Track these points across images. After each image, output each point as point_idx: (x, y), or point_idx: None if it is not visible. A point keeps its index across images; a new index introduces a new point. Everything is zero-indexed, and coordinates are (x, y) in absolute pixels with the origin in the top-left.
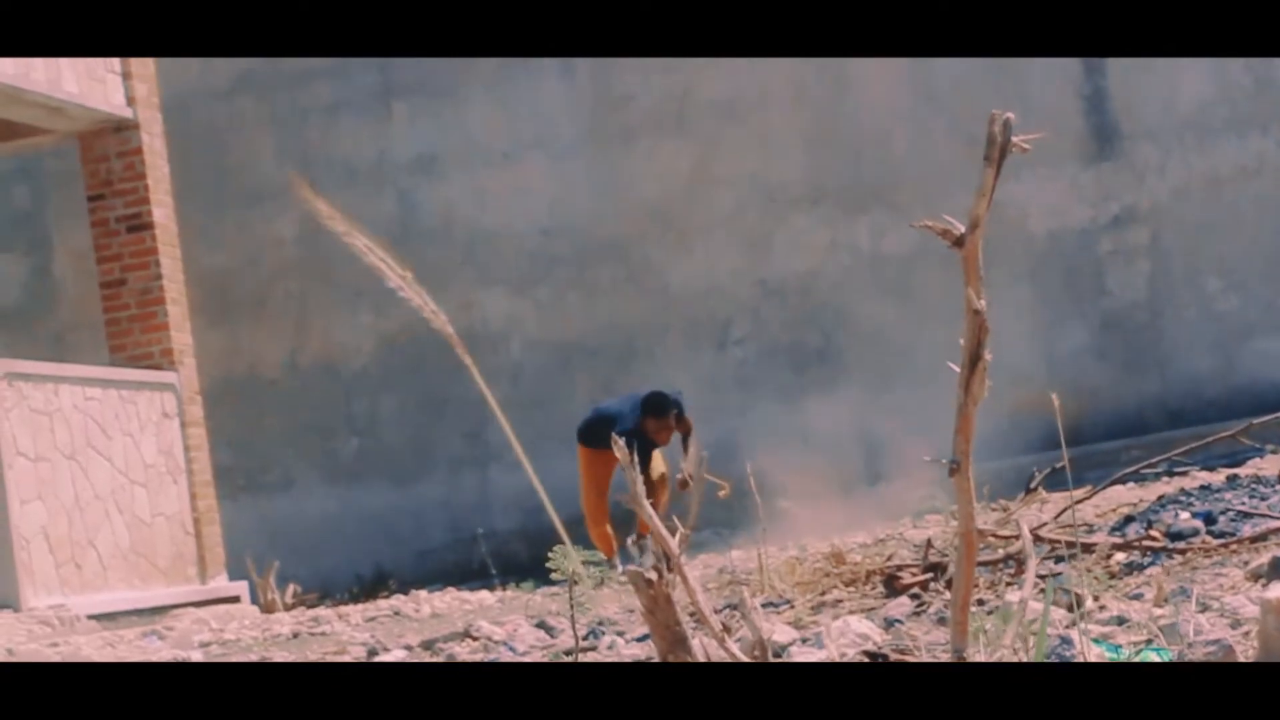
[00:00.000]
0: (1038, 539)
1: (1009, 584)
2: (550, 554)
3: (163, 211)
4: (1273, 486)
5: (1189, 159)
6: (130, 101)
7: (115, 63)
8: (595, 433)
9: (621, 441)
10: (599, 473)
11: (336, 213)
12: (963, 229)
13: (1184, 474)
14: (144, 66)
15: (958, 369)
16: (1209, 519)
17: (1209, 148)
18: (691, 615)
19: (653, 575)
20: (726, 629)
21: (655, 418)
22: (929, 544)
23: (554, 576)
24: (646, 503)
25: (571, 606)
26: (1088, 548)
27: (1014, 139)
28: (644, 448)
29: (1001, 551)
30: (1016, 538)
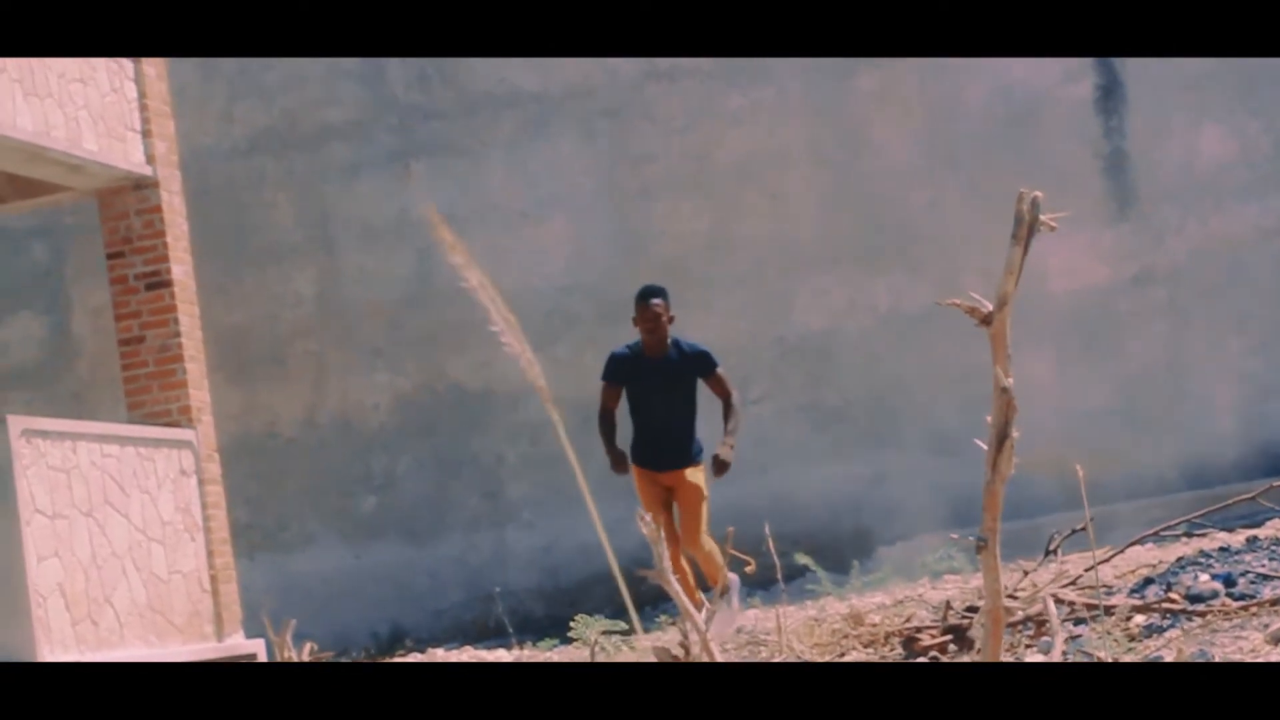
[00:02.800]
0: (1057, 601)
1: (1028, 645)
2: (572, 622)
3: (181, 269)
4: None
5: (1208, 220)
6: (150, 159)
7: (135, 120)
8: (637, 445)
9: (648, 518)
10: (647, 493)
11: (461, 249)
12: (990, 307)
13: (1204, 535)
14: (164, 124)
15: (984, 446)
16: (1229, 581)
17: (1228, 208)
18: None
19: (679, 652)
20: None
21: (640, 302)
22: (948, 605)
23: (575, 647)
24: (674, 579)
25: None
26: (1108, 610)
27: (1041, 217)
28: (645, 377)
29: (1022, 613)
30: (1038, 604)
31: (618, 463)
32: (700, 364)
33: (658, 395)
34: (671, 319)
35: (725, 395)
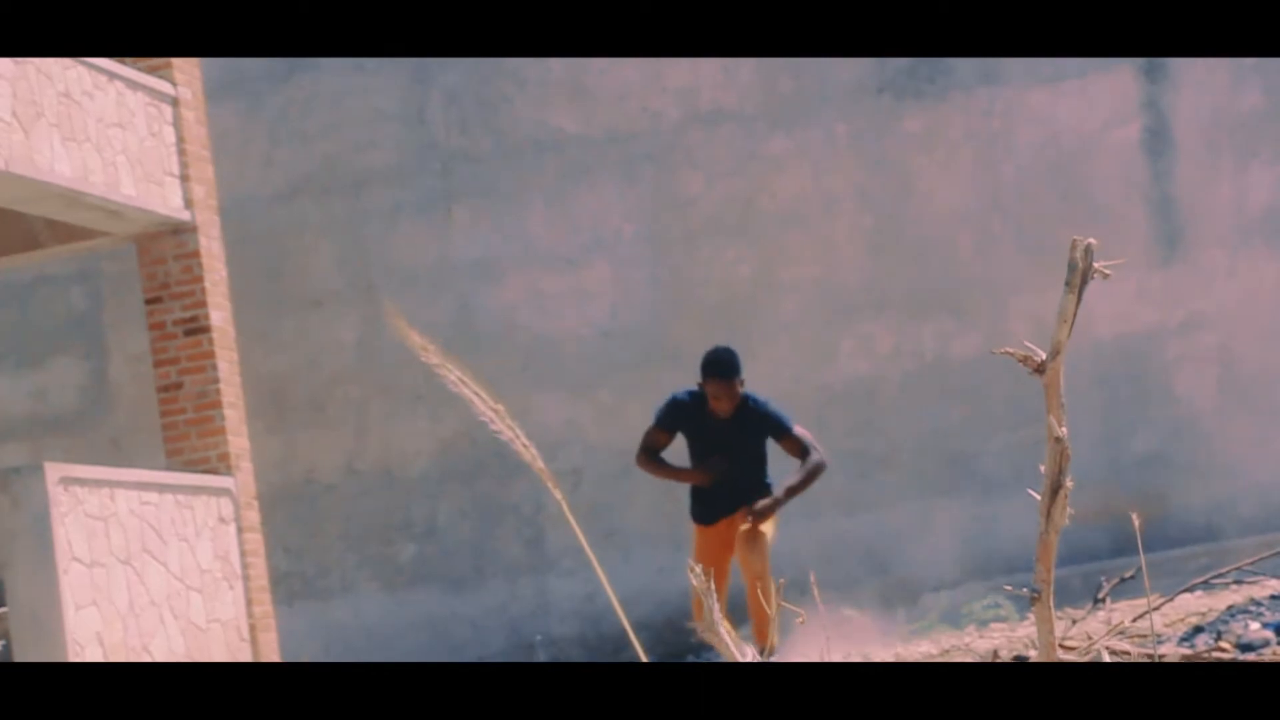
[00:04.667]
0: (1110, 652)
1: None
2: None
3: (220, 315)
4: None
5: (1257, 262)
6: (188, 204)
7: (174, 165)
8: (697, 502)
9: (699, 569)
10: (704, 548)
11: (431, 348)
12: (1043, 355)
13: (1254, 583)
14: (203, 169)
15: (1037, 496)
16: None
17: (1277, 251)
18: None
19: None
20: None
21: (714, 378)
22: (995, 655)
23: None
24: (724, 632)
25: None
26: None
27: (1095, 264)
28: (707, 432)
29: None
30: (1092, 655)
31: (700, 472)
32: (770, 427)
33: (721, 452)
34: (742, 382)
35: (801, 456)
